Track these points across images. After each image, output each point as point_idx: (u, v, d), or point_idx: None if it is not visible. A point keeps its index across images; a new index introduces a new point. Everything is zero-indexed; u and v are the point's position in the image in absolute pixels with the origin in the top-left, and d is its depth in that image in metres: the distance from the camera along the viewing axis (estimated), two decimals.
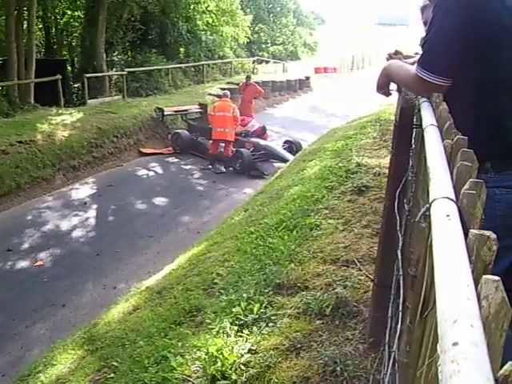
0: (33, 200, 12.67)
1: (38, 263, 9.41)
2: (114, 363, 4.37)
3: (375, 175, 6.11)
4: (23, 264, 9.40)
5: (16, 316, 7.59)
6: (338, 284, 3.88)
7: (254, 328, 3.65)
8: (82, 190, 13.52)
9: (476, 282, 0.71)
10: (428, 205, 1.08)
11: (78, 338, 5.51)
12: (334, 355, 3.11)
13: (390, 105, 9.04)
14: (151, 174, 15.32)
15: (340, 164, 6.94)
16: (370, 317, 3.28)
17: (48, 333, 6.98)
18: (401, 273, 2.27)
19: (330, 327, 3.47)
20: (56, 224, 11.24)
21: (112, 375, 4.24)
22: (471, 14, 1.97)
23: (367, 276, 3.91)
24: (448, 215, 0.92)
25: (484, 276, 0.68)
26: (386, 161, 5.98)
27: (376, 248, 3.72)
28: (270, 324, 3.64)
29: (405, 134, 2.78)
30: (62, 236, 10.67)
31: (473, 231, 0.83)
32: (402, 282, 2.22)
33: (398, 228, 2.57)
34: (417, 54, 2.70)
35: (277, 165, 13.98)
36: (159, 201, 12.92)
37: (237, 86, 23.40)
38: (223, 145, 15.30)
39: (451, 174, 1.19)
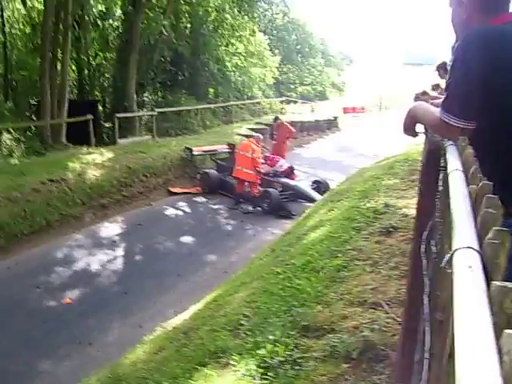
0: (62, 237, 12.77)
1: (66, 301, 9.43)
2: None
3: (403, 216, 6.06)
4: (51, 301, 9.44)
5: (43, 353, 7.60)
6: (366, 327, 3.83)
7: (280, 371, 3.60)
8: (111, 229, 13.60)
9: (497, 335, 0.70)
10: (451, 253, 1.07)
11: (103, 377, 5.48)
12: None
13: (418, 144, 9.01)
14: (179, 213, 15.38)
15: (368, 204, 6.91)
16: (398, 361, 3.22)
17: (74, 371, 6.96)
18: (428, 318, 2.24)
19: (357, 371, 3.41)
20: (85, 262, 11.30)
21: None
22: (490, 61, 1.97)
23: (395, 319, 3.86)
24: (470, 266, 0.91)
25: (506, 330, 0.67)
26: (413, 201, 5.93)
27: (404, 290, 3.68)
28: (296, 367, 3.60)
29: (432, 176, 2.77)
30: (90, 274, 10.72)
31: (495, 283, 0.82)
32: (428, 327, 2.18)
33: (425, 271, 2.54)
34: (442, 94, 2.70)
35: (305, 205, 13.93)
36: (187, 240, 12.94)
37: (265, 127, 23.59)
38: (247, 184, 15.37)
39: (475, 220, 1.18)
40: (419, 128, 2.52)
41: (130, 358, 5.70)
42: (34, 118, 21.47)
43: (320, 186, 15.46)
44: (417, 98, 2.73)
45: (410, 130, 2.48)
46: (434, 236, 2.59)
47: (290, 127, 19.57)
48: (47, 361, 7.08)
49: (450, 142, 2.13)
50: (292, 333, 4.08)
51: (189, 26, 30.84)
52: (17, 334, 8.27)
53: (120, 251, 12.10)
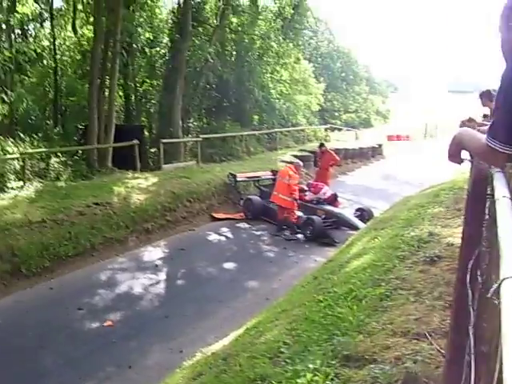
0: (106, 260, 12.92)
1: (108, 323, 9.51)
2: None
3: (448, 245, 5.95)
4: (93, 323, 9.53)
5: (83, 375, 7.64)
6: (408, 358, 3.74)
7: None
8: (154, 253, 13.71)
9: None
10: (498, 283, 1.03)
11: None
12: None
13: (464, 173, 8.87)
14: (222, 238, 15.41)
15: (412, 233, 6.80)
16: None
17: None
18: (473, 350, 2.17)
19: None
20: (127, 285, 11.40)
21: None
22: None
23: (439, 351, 3.76)
24: None
25: None
26: (459, 230, 5.81)
27: (448, 321, 3.59)
28: None
29: (478, 204, 2.70)
30: (132, 297, 10.79)
31: None
32: (473, 360, 2.11)
33: (470, 302, 2.47)
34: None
35: (348, 232, 13.81)
36: (229, 266, 12.94)
37: (309, 154, 23.58)
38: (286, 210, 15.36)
39: None
40: (465, 155, 2.47)
41: (169, 382, 5.68)
42: (82, 143, 21.87)
43: (364, 214, 15.32)
44: (463, 125, 2.68)
45: (455, 156, 2.42)
46: (480, 265, 2.53)
47: (335, 155, 19.52)
48: (88, 382, 7.11)
49: (497, 169, 2.07)
50: (332, 362, 4.01)
51: (234, 53, 31.22)
52: (59, 355, 8.36)
53: (162, 275, 12.17)
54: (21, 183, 15.68)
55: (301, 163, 16.51)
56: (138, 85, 29.81)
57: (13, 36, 21.35)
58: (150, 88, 30.01)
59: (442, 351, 3.60)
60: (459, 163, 2.49)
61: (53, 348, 8.52)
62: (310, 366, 4.04)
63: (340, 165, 26.10)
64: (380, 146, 34.31)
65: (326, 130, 36.61)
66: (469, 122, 2.77)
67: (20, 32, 26.47)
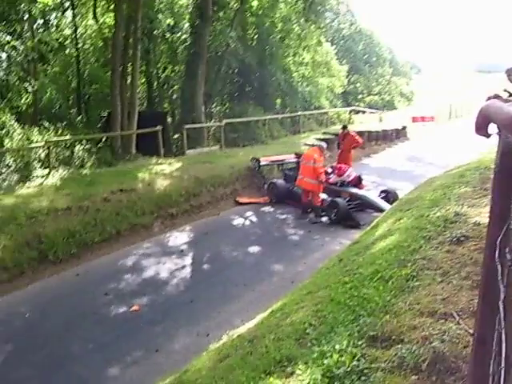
0: (131, 246, 13.01)
1: (134, 308, 9.58)
2: None
3: (475, 225, 5.86)
4: (119, 308, 9.61)
5: (110, 359, 7.72)
6: (436, 338, 3.70)
7: (346, 381, 3.51)
8: (179, 238, 13.77)
9: None
10: None
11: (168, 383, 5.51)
12: None
13: (489, 153, 8.75)
14: (247, 222, 15.42)
15: (438, 213, 6.72)
16: (470, 374, 3.08)
17: (140, 377, 7.05)
18: (503, 327, 2.12)
19: (427, 383, 3.29)
20: (153, 270, 11.47)
21: None
22: None
23: (466, 330, 3.71)
24: None
25: None
26: (486, 210, 5.74)
27: (476, 301, 3.54)
28: (363, 378, 3.50)
29: (505, 180, 2.64)
30: (157, 282, 10.85)
31: None
32: (503, 338, 2.07)
33: (500, 278, 2.42)
34: None
35: (373, 215, 13.72)
36: (254, 249, 12.95)
37: (333, 137, 23.46)
38: (310, 194, 15.30)
39: None
40: (492, 128, 2.41)
41: (195, 365, 5.70)
42: (105, 130, 22.00)
43: (388, 196, 15.20)
44: (489, 99, 2.61)
45: (482, 129, 2.37)
46: (509, 242, 2.47)
47: (357, 137, 19.39)
48: (115, 366, 7.19)
49: None
50: (359, 343, 3.98)
51: (255, 37, 31.07)
52: (86, 340, 8.45)
53: (187, 260, 12.22)
54: (46, 171, 15.86)
55: (325, 145, 16.39)
56: (159, 71, 29.89)
57: (35, 26, 21.40)
58: (172, 74, 30.08)
59: (470, 330, 3.55)
60: (487, 136, 2.43)
61: (80, 333, 8.61)
62: (337, 346, 4.01)
63: (363, 147, 25.99)
64: (404, 127, 34.00)
65: (349, 112, 36.36)
66: (495, 98, 2.70)
67: (42, 22, 26.63)
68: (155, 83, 29.86)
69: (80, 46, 28.96)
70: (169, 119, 27.12)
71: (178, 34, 29.03)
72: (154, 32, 25.51)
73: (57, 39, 23.86)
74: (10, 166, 15.45)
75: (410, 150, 28.28)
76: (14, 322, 9.27)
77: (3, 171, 15.08)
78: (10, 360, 8.09)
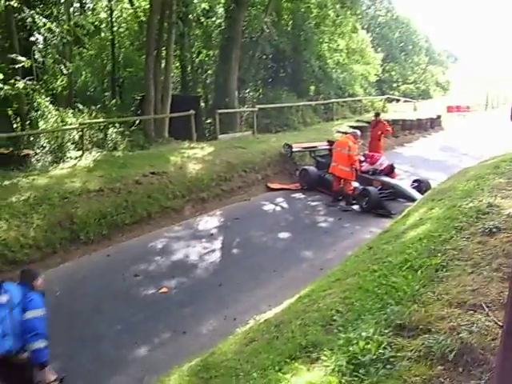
0: (162, 229, 13.12)
1: (163, 290, 9.69)
2: None
3: (508, 216, 5.77)
4: (149, 290, 9.72)
5: (139, 340, 7.81)
6: (464, 329, 3.66)
7: (371, 369, 3.50)
8: (209, 222, 13.83)
9: None
10: None
11: (194, 365, 5.55)
12: None
13: None
14: (277, 208, 15.43)
15: (470, 204, 6.63)
16: (498, 366, 3.04)
17: (167, 358, 7.10)
18: None
19: (453, 374, 3.26)
20: (182, 253, 11.56)
21: None
22: None
23: (496, 322, 3.66)
24: None
25: None
26: None
27: (506, 293, 3.49)
28: (388, 366, 3.49)
29: None
30: (187, 265, 10.93)
31: None
32: None
33: None
34: None
35: (404, 204, 13.61)
36: (284, 236, 12.96)
37: (366, 124, 23.30)
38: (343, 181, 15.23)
39: None
40: None
41: (222, 348, 5.74)
42: (139, 113, 22.15)
43: (421, 186, 15.05)
44: None
45: None
46: None
47: (387, 125, 19.28)
48: (142, 347, 7.27)
49: None
50: (386, 331, 3.96)
51: (290, 22, 30.90)
52: (115, 320, 8.57)
53: (217, 244, 12.28)
54: (80, 153, 16.03)
55: (359, 133, 16.28)
56: (194, 55, 29.92)
57: (71, 9, 21.57)
58: (206, 58, 30.08)
59: (500, 323, 3.51)
60: None
61: (110, 313, 8.72)
62: (363, 334, 4.00)
63: (397, 136, 25.81)
64: (439, 117, 33.62)
65: (383, 100, 36.02)
66: None
67: (78, 5, 26.84)
68: (189, 67, 29.90)
69: (115, 29, 29.14)
70: (202, 104, 27.18)
71: (213, 19, 28.97)
72: (189, 16, 25.51)
73: (92, 22, 23.92)
74: (45, 147, 15.64)
75: (444, 140, 27.99)
76: (45, 300, 9.39)
77: (38, 152, 15.27)
78: None
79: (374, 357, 3.64)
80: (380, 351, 3.68)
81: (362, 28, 39.80)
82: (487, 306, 3.95)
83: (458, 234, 5.70)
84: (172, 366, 6.18)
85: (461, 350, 3.41)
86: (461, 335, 3.55)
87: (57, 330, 8.21)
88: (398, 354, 3.60)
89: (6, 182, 12.63)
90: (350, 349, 3.85)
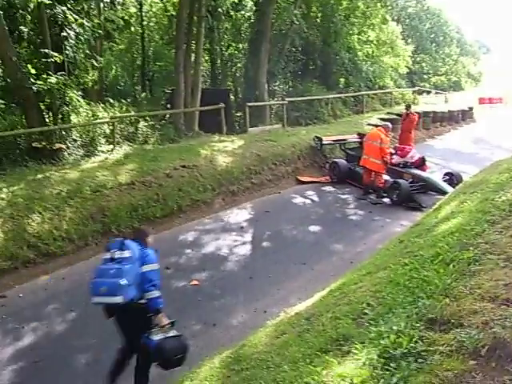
0: (192, 222, 13.21)
1: (194, 282, 9.75)
2: None
3: None
4: (179, 282, 9.78)
5: None
6: (497, 323, 3.62)
7: (402, 362, 3.49)
8: (240, 215, 13.88)
9: None
10: None
11: (225, 357, 5.58)
12: None
13: None
14: (307, 201, 15.41)
15: (503, 197, 6.56)
16: None
17: (198, 350, 7.13)
18: None
19: (486, 369, 3.23)
20: (213, 246, 11.60)
21: None
22: None
23: None
24: None
25: None
26: None
27: None
28: (420, 360, 3.47)
29: None
30: (217, 258, 10.98)
31: None
32: None
33: None
34: None
35: (436, 197, 13.49)
36: (314, 229, 12.94)
37: (396, 117, 23.13)
38: (374, 174, 15.16)
39: None
40: None
41: (252, 340, 5.76)
42: (169, 107, 22.25)
43: (452, 179, 14.93)
44: None
45: None
46: None
47: (417, 117, 19.18)
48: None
49: None
50: (417, 325, 3.94)
51: (320, 14, 30.73)
52: None
53: (247, 237, 12.32)
54: (111, 147, 16.18)
55: (390, 125, 16.18)
56: (223, 49, 29.96)
57: (101, 5, 21.70)
58: (236, 52, 30.11)
59: None
60: None
61: None
62: (394, 327, 3.99)
63: (428, 128, 25.58)
64: (471, 109, 33.25)
65: (414, 92, 35.69)
66: None
67: (108, 0, 27.02)
68: (219, 61, 29.96)
69: (145, 23, 29.31)
70: (231, 97, 27.22)
71: (242, 12, 28.93)
72: (218, 10, 25.48)
73: (122, 17, 24.12)
74: (76, 141, 15.80)
75: (476, 132, 27.70)
76: (78, 292, 9.52)
77: (70, 146, 15.44)
78: (73, 328, 8.37)
79: (406, 350, 3.63)
80: (411, 345, 3.67)
81: (392, 19, 39.49)
82: None
83: (490, 228, 5.64)
84: (203, 358, 6.23)
85: (493, 345, 3.38)
86: (493, 330, 3.52)
87: (89, 321, 8.36)
88: (430, 348, 3.58)
89: (39, 176, 12.81)
90: (381, 342, 3.84)
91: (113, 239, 6.51)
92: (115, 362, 6.50)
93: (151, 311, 6.02)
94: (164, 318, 6.04)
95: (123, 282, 5.81)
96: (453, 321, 3.87)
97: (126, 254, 6.04)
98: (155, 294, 5.97)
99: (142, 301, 6.00)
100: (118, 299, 5.80)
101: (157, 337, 5.94)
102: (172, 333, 6.07)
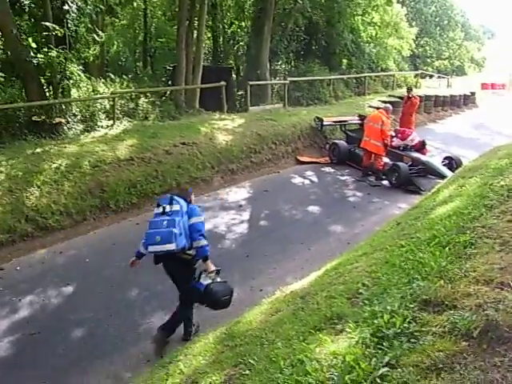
0: None
1: None
2: (251, 361, 4.40)
3: None
4: None
5: (166, 307, 7.89)
6: (490, 306, 3.64)
7: (395, 342, 3.51)
8: (238, 194, 13.91)
9: None
10: None
11: (219, 334, 5.64)
12: (478, 380, 2.92)
13: None
14: (306, 182, 15.43)
15: (502, 182, 6.56)
16: None
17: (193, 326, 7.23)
18: None
19: (477, 350, 3.26)
20: (211, 223, 11.57)
21: (247, 372, 4.27)
22: None
23: None
24: None
25: None
26: None
27: None
28: (412, 340, 3.49)
29: None
30: (215, 235, 10.99)
31: None
32: None
33: None
34: None
35: (435, 181, 13.51)
36: (312, 209, 12.96)
37: (398, 100, 23.10)
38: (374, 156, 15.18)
39: None
40: None
41: (247, 317, 5.80)
42: (170, 84, 22.18)
43: (452, 163, 14.94)
44: None
45: None
46: None
47: (418, 101, 19.14)
48: (169, 314, 7.34)
49: None
50: (411, 305, 3.96)
51: None
52: (144, 287, 8.74)
53: (245, 215, 12.36)
54: (111, 122, 16.13)
55: (390, 107, 16.16)
56: (226, 26, 29.81)
57: None
58: (238, 30, 29.95)
59: None
60: None
61: (138, 280, 8.83)
62: (388, 307, 4.00)
63: (429, 112, 25.55)
64: (473, 94, 33.18)
65: (416, 76, 35.56)
66: None
67: None
68: (221, 38, 29.83)
69: None
70: (233, 75, 27.13)
71: None
72: None
73: None
74: (76, 116, 15.76)
75: (478, 118, 27.66)
76: (75, 266, 9.60)
77: (69, 121, 15.40)
78: (69, 302, 8.42)
79: (399, 330, 3.65)
80: (405, 325, 3.69)
81: (397, 2, 39.18)
82: None
83: (487, 212, 5.65)
84: (198, 333, 6.28)
85: (486, 327, 3.40)
86: (486, 312, 3.54)
87: (85, 295, 8.42)
88: (423, 329, 3.60)
89: (38, 150, 12.81)
90: (375, 322, 3.86)
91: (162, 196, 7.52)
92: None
93: (200, 258, 6.84)
94: (211, 264, 6.83)
95: (176, 230, 6.51)
96: (446, 302, 3.88)
97: (176, 207, 6.75)
98: (203, 242, 6.74)
99: (191, 251, 6.80)
100: (172, 246, 6.52)
101: (206, 281, 6.74)
102: (218, 279, 6.85)
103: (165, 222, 6.62)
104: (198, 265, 6.98)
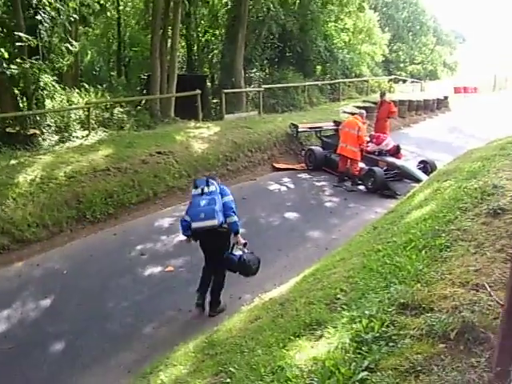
0: (168, 208, 13.20)
1: (169, 269, 9.75)
2: (231, 369, 4.42)
3: None
4: (154, 269, 9.79)
5: (144, 317, 7.89)
6: (466, 308, 3.70)
7: (374, 346, 3.55)
8: None
9: None
10: None
11: (199, 342, 5.63)
12: (455, 381, 2.96)
13: None
14: (283, 188, 15.45)
15: (475, 185, 6.64)
16: (498, 345, 3.10)
17: (172, 336, 7.20)
18: None
19: (454, 352, 3.31)
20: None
21: (228, 380, 4.28)
22: None
23: (497, 302, 3.70)
24: None
25: None
26: None
27: (509, 273, 3.53)
28: (391, 343, 3.54)
29: None
30: (192, 244, 10.90)
31: None
32: None
33: None
34: None
35: (410, 185, 13.62)
36: (289, 216, 12.98)
37: (372, 105, 23.27)
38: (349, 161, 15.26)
39: None
40: None
41: (227, 325, 5.81)
42: (145, 93, 22.15)
43: (427, 167, 15.07)
44: None
45: None
46: None
47: (393, 106, 19.24)
48: (149, 324, 7.36)
49: None
50: (389, 309, 4.01)
51: (297, 1, 30.67)
52: (122, 298, 8.67)
53: None
54: (86, 132, 16.06)
55: (364, 113, 16.28)
56: (200, 35, 29.86)
57: None
58: (213, 38, 30.02)
59: (501, 302, 3.55)
60: None
61: (116, 291, 8.80)
62: (366, 312, 4.05)
63: (403, 116, 25.76)
64: (446, 98, 33.52)
65: (390, 81, 35.86)
66: None
67: None
68: (195, 47, 29.87)
69: (121, 8, 29.03)
70: (208, 83, 27.16)
71: None
72: None
73: (98, 1, 23.81)
74: (51, 127, 15.66)
75: (451, 121, 27.93)
76: (53, 278, 9.51)
77: (44, 132, 15.30)
78: (47, 315, 8.33)
79: (377, 335, 3.69)
80: (383, 329, 3.73)
81: (370, 8, 39.51)
82: (490, 286, 3.99)
83: (462, 215, 5.72)
84: (178, 343, 6.27)
85: (462, 329, 3.45)
86: (463, 314, 3.60)
87: (64, 307, 8.35)
88: (401, 332, 3.65)
89: (13, 162, 12.70)
90: (354, 326, 3.90)
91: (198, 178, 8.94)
92: (201, 280, 8.23)
93: (232, 232, 7.79)
94: (241, 238, 7.87)
95: (216, 207, 7.51)
96: (424, 305, 3.94)
97: (212, 188, 7.76)
98: (235, 218, 7.73)
99: (225, 225, 7.69)
100: (215, 222, 7.48)
101: (238, 252, 7.78)
102: (246, 250, 7.84)
103: (206, 201, 7.58)
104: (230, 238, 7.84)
